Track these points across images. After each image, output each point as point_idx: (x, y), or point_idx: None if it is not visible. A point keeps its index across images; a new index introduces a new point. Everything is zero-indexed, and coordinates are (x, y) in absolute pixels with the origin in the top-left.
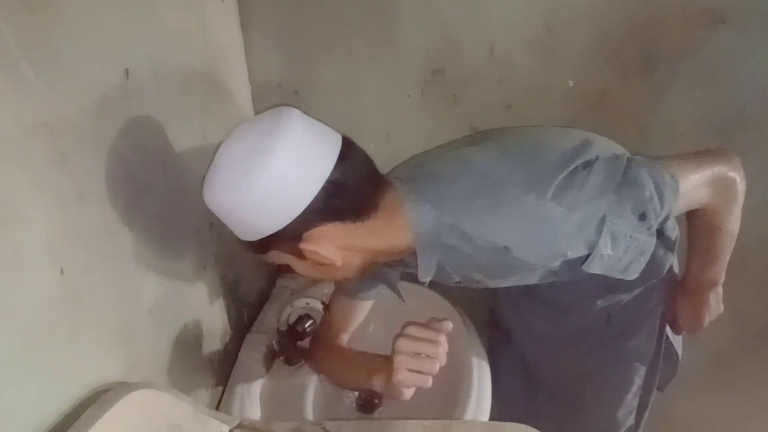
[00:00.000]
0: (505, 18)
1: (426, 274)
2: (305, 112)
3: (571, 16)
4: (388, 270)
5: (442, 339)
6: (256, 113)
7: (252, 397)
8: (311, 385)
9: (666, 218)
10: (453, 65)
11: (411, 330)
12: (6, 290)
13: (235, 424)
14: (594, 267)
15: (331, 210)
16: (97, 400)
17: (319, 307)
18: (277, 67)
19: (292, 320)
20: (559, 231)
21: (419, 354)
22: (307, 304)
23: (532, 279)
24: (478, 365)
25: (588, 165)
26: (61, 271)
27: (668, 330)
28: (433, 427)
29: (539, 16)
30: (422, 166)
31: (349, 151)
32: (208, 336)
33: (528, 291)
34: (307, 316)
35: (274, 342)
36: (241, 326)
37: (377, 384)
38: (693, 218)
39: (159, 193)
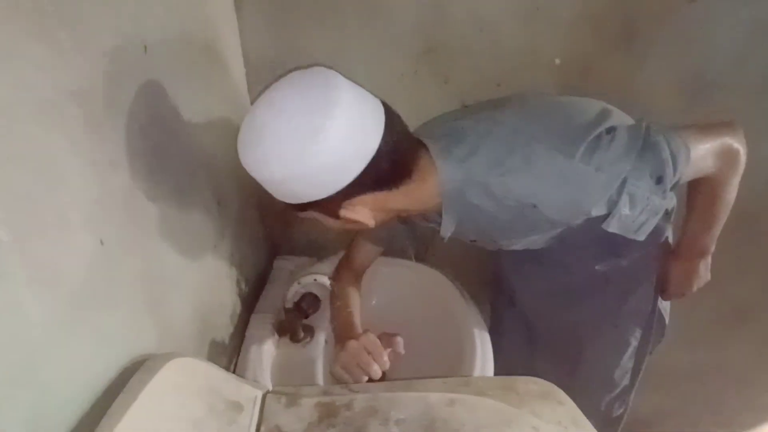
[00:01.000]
0: None
1: (447, 230)
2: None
3: None
4: (404, 226)
5: (382, 360)
6: (249, 89)
7: (264, 372)
8: (318, 361)
9: (676, 183)
10: (444, 43)
11: (364, 340)
12: (53, 253)
13: (267, 389)
14: (612, 225)
15: (375, 181)
16: (139, 367)
17: (327, 282)
18: (269, 45)
19: (297, 298)
20: (587, 189)
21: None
22: (315, 280)
23: (540, 243)
24: (479, 336)
25: (611, 130)
26: (101, 242)
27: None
28: (453, 382)
29: None
30: (451, 124)
31: (391, 117)
32: (219, 313)
33: (531, 255)
34: (311, 294)
35: (278, 320)
36: (246, 306)
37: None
38: (695, 186)
39: (175, 166)
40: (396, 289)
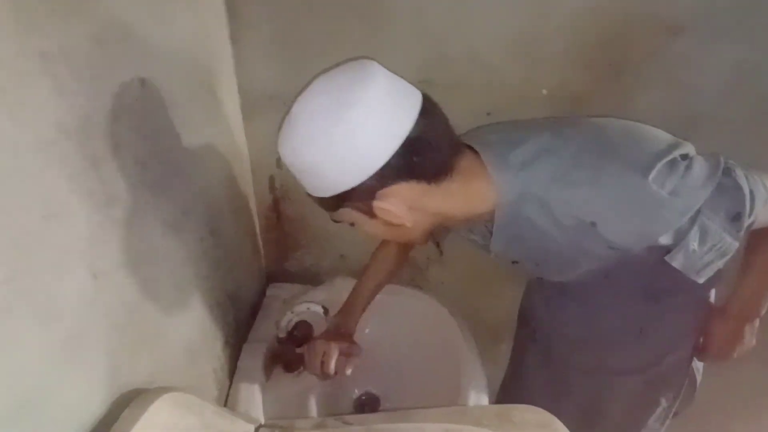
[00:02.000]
0: (489, 28)
1: (499, 244)
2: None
3: (548, 28)
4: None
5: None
6: (244, 120)
7: (255, 404)
8: (312, 391)
9: (750, 226)
10: (440, 75)
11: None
12: (51, 289)
13: (260, 423)
14: (677, 260)
15: (409, 168)
16: (130, 402)
17: (320, 311)
18: (267, 79)
19: (290, 327)
20: (658, 213)
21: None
22: (308, 308)
23: (586, 276)
24: (473, 370)
25: (686, 157)
26: (95, 276)
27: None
28: (449, 412)
29: (519, 28)
30: (505, 132)
31: (429, 108)
32: (211, 345)
33: (561, 288)
34: (305, 323)
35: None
36: (239, 336)
37: None
38: (761, 237)
39: (170, 198)
40: (391, 318)
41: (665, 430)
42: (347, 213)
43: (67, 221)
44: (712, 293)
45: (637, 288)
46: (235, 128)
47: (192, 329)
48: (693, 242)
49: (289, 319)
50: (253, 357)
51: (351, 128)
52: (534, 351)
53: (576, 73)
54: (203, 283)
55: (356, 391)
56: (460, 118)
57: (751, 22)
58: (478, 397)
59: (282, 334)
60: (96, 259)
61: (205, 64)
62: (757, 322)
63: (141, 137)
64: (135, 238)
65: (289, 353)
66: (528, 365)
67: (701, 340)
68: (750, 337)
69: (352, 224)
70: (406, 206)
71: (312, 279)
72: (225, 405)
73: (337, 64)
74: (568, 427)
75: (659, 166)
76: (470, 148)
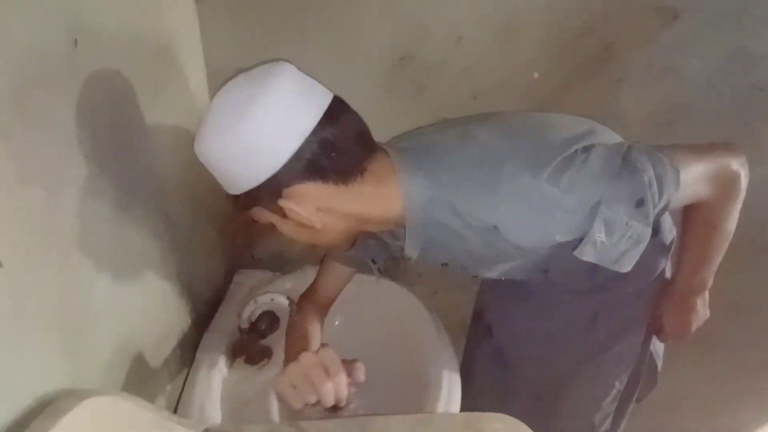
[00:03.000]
0: (473, 8)
1: (413, 249)
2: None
3: (535, 7)
4: (375, 242)
5: (338, 380)
6: (211, 97)
7: (212, 399)
8: None
9: (663, 209)
10: (421, 53)
11: (322, 354)
12: None
13: (202, 429)
14: (587, 253)
15: (312, 167)
16: (44, 410)
17: (285, 302)
18: (234, 51)
19: (254, 318)
20: (551, 212)
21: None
22: (272, 300)
23: (521, 273)
24: (447, 366)
25: (587, 149)
26: (0, 264)
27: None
28: (413, 421)
29: (505, 7)
30: (421, 137)
31: (338, 110)
32: (164, 337)
33: (516, 284)
34: (270, 313)
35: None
36: (198, 325)
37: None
38: (690, 214)
39: (112, 179)
40: (363, 309)
41: (629, 415)
42: (261, 212)
43: None
44: (666, 267)
45: (584, 279)
46: (199, 102)
47: (140, 323)
48: (599, 234)
49: (251, 310)
50: (213, 348)
51: (253, 125)
52: (485, 347)
53: (566, 56)
54: (154, 272)
55: None
56: (444, 102)
57: (750, 8)
58: (450, 398)
59: (244, 326)
60: (3, 245)
61: (165, 33)
62: (706, 294)
63: (69, 106)
64: (60, 222)
65: (252, 345)
66: (479, 362)
67: (658, 320)
68: (703, 309)
69: (272, 225)
70: (313, 207)
71: (282, 266)
72: (179, 399)
73: (256, 65)
74: (521, 418)
75: (555, 163)
76: (386, 152)
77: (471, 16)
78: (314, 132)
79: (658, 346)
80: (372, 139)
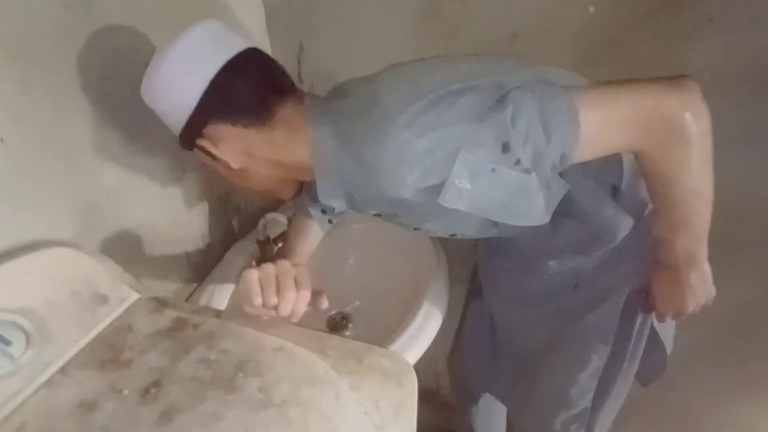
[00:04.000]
0: None
1: (326, 197)
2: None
3: None
4: None
5: (285, 296)
6: (269, 35)
7: (223, 292)
8: None
9: (562, 158)
10: None
11: (299, 269)
12: None
13: (149, 296)
14: (450, 200)
15: (219, 109)
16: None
17: (284, 220)
18: None
19: (269, 230)
20: (402, 157)
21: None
22: (275, 218)
23: (468, 229)
24: (435, 299)
25: (461, 91)
26: (1, 140)
27: (654, 319)
28: (308, 335)
29: None
30: (349, 82)
31: (248, 57)
32: (185, 234)
33: (500, 243)
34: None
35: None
36: (231, 233)
37: None
38: (642, 170)
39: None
40: (375, 249)
41: (620, 398)
42: (198, 154)
43: None
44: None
45: (554, 239)
46: (259, 39)
47: (157, 214)
48: (458, 180)
49: (263, 224)
50: (240, 253)
51: (161, 70)
52: (476, 307)
53: None
54: (177, 176)
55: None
56: (482, 39)
57: None
58: (421, 331)
59: (261, 237)
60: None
61: None
62: (705, 267)
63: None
64: (64, 114)
65: (269, 254)
66: (470, 321)
67: (651, 297)
68: (702, 285)
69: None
70: (229, 148)
71: None
72: (194, 291)
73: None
74: (506, 386)
75: (416, 106)
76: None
77: None
78: (216, 78)
79: (666, 329)
80: (288, 86)
